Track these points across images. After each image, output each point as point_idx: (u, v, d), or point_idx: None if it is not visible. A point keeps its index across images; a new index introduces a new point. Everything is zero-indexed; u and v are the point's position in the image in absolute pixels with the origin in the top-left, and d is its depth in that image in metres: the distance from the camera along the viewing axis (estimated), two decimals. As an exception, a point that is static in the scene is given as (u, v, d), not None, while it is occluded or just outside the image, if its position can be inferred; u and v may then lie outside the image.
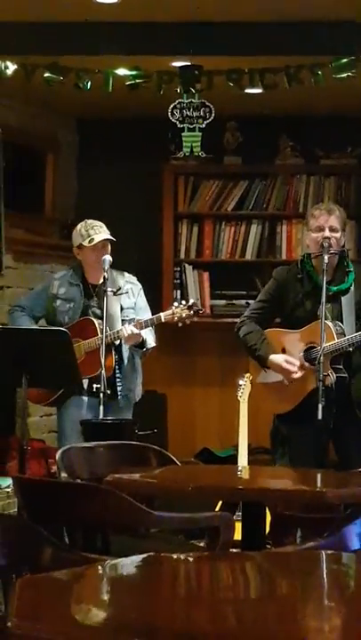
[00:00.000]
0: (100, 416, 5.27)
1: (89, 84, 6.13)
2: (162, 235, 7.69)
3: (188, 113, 6.21)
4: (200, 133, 6.24)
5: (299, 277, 5.23)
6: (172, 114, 6.22)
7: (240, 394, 6.07)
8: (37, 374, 5.21)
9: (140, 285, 5.88)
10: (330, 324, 5.08)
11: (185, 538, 4.47)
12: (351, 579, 2.80)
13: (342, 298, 5.20)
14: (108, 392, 5.37)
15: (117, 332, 5.54)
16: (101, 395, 5.27)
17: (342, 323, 5.15)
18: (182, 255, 7.76)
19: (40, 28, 6.01)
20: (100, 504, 3.61)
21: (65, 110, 7.67)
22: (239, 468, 5.62)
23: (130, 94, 6.28)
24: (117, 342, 5.63)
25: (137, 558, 2.89)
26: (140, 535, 4.33)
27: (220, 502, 5.06)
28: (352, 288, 5.22)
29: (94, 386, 5.42)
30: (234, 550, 3.88)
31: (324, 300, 4.98)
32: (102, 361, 5.32)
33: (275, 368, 5.24)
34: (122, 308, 5.71)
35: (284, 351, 5.27)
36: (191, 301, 5.57)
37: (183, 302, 5.57)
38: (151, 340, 5.65)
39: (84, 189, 8.01)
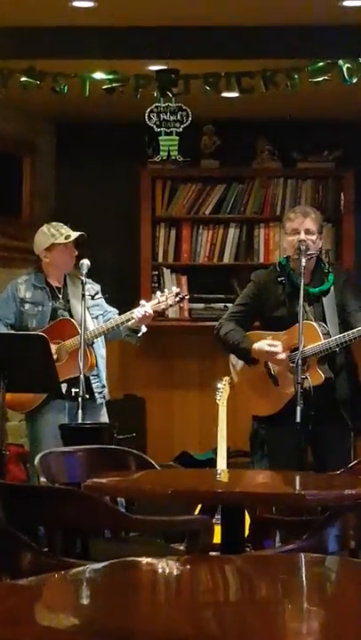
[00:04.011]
0: (79, 420, 5.26)
1: (66, 87, 6.13)
2: (140, 238, 7.69)
3: (165, 117, 6.22)
4: (177, 137, 6.25)
5: (280, 280, 5.25)
6: (149, 118, 6.23)
7: (219, 397, 6.08)
8: (15, 379, 5.20)
9: (98, 285, 5.88)
10: (315, 324, 5.10)
11: (164, 541, 4.47)
12: (330, 581, 2.81)
13: (323, 299, 5.23)
14: (87, 396, 5.35)
15: (130, 314, 5.50)
16: (80, 399, 5.25)
17: (326, 324, 5.16)
18: (160, 259, 7.76)
19: (16, 32, 6.01)
20: (79, 508, 3.61)
21: (42, 114, 7.66)
22: (218, 472, 5.63)
23: (107, 98, 6.28)
24: (95, 341, 5.62)
25: (116, 562, 2.89)
26: (119, 539, 4.33)
27: (200, 506, 5.06)
28: (332, 289, 5.24)
29: (73, 390, 5.39)
30: (213, 553, 3.89)
31: (301, 301, 5.00)
32: (81, 364, 5.30)
33: (260, 355, 5.22)
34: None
35: None
36: (175, 289, 5.59)
37: (166, 290, 5.61)
38: (143, 326, 5.63)
39: (62, 193, 8.00)
